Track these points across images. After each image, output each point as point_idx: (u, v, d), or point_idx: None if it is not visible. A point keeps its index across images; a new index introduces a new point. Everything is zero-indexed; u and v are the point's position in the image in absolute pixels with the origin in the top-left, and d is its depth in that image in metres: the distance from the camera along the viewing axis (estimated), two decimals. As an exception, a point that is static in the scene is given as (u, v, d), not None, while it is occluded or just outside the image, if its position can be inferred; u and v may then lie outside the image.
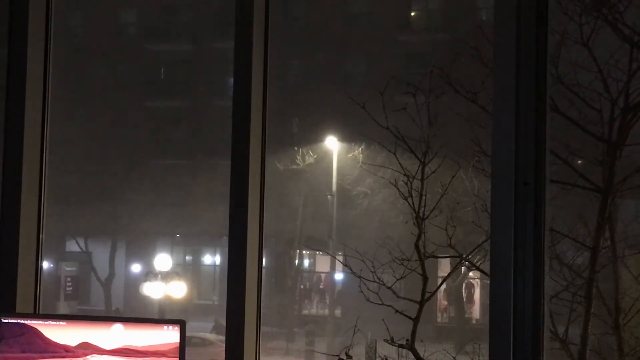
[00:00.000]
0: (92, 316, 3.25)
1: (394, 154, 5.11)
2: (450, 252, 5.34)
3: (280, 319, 17.89)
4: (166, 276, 17.25)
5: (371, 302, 5.04)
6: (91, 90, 19.95)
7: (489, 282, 2.93)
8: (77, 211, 19.56)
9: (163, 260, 18.07)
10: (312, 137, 17.98)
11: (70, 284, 20.41)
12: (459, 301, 17.06)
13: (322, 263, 20.54)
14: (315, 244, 18.64)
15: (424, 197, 4.78)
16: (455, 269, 5.69)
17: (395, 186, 5.04)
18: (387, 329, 4.56)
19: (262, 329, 3.44)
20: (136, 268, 20.56)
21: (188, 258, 22.01)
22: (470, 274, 15.66)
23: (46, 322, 3.08)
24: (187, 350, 3.00)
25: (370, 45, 18.36)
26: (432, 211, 4.84)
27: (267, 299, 18.08)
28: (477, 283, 17.08)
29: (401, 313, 4.56)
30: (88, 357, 3.05)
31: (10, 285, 3.53)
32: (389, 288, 4.95)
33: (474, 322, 17.26)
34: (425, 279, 4.59)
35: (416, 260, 4.75)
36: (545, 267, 2.87)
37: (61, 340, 3.06)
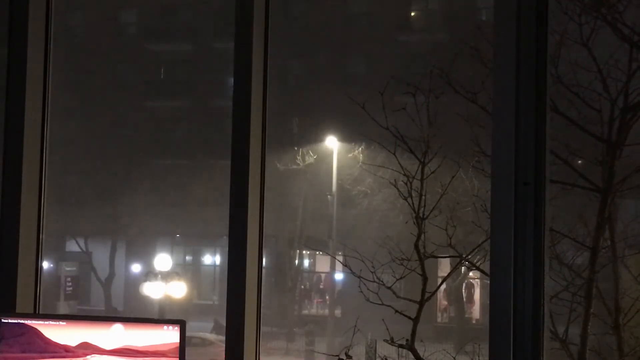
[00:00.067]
0: (92, 316, 3.25)
1: (394, 154, 5.11)
2: (450, 252, 5.34)
3: (280, 319, 17.89)
4: (166, 276, 17.25)
5: (371, 302, 5.04)
6: (91, 90, 19.94)
7: (489, 282, 2.93)
8: (77, 211, 19.56)
9: (163, 260, 18.07)
10: (312, 137, 17.98)
11: (70, 284, 20.40)
12: (459, 301, 17.06)
13: (322, 263, 20.54)
14: (315, 244, 18.64)
15: (423, 197, 4.78)
16: (455, 269, 5.69)
17: (395, 186, 5.04)
18: (387, 329, 4.56)
19: (262, 329, 3.44)
20: (136, 268, 20.56)
21: (188, 258, 22.00)
22: (470, 274, 15.66)
23: (46, 322, 3.08)
24: (187, 350, 3.00)
25: (370, 45, 18.36)
26: (432, 211, 4.84)
27: (267, 299, 18.08)
28: (477, 283, 17.08)
29: (401, 313, 4.56)
30: (88, 357, 3.05)
31: (10, 285, 3.53)
32: (389, 288, 4.95)
33: (474, 322, 17.26)
34: (425, 279, 4.59)
35: (416, 260, 4.75)
36: (545, 267, 2.87)
37: (61, 340, 3.06)
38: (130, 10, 22.11)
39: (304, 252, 20.00)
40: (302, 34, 18.77)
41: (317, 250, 19.12)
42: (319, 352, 16.81)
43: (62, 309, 19.37)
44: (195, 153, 19.67)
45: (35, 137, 3.67)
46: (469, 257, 5.58)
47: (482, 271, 6.66)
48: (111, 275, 20.67)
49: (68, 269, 20.65)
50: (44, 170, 3.70)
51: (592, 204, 5.85)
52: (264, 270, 3.55)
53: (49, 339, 3.06)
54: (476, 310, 17.45)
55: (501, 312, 2.81)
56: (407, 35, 18.23)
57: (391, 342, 4.51)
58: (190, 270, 21.31)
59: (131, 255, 20.89)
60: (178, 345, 2.98)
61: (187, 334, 3.04)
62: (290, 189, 17.89)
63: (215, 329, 17.43)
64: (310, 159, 17.74)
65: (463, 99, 6.43)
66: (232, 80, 3.41)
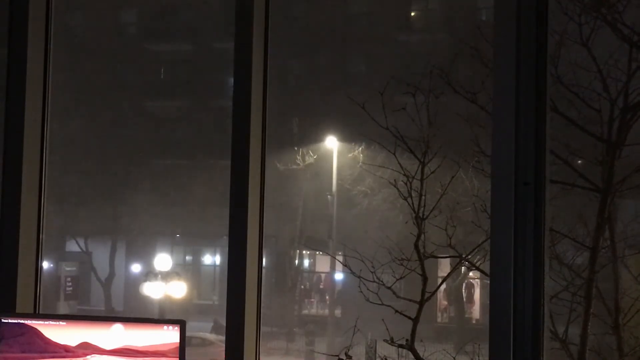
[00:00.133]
0: (92, 316, 3.25)
1: (394, 154, 5.11)
2: (450, 252, 5.34)
3: (280, 319, 17.89)
4: (166, 276, 17.24)
5: (371, 302, 5.04)
6: (91, 90, 19.94)
7: (489, 282, 2.93)
8: (77, 211, 19.56)
9: (163, 260, 18.07)
10: (312, 137, 17.98)
11: (70, 284, 20.40)
12: (459, 301, 17.06)
13: (322, 263, 20.53)
14: (315, 244, 18.63)
15: (423, 197, 4.78)
16: (455, 269, 5.69)
17: (395, 186, 5.04)
18: (387, 329, 4.56)
19: (262, 329, 3.44)
20: (136, 268, 20.56)
21: (188, 258, 22.00)
22: (470, 274, 15.66)
23: (46, 322, 3.08)
24: (187, 350, 3.00)
25: (370, 45, 18.35)
26: (431, 211, 4.84)
27: (267, 299, 18.08)
28: (477, 283, 17.07)
29: (401, 313, 4.56)
30: (88, 357, 3.05)
31: (10, 285, 3.53)
32: (389, 288, 4.95)
33: (474, 322, 17.25)
34: (425, 279, 4.59)
35: (416, 260, 4.75)
36: (545, 267, 2.87)
37: (61, 340, 3.06)
38: (130, 10, 22.10)
39: (304, 252, 20.00)
40: (302, 34, 18.77)
41: (317, 250, 19.12)
42: (319, 352, 16.81)
43: (62, 309, 19.37)
44: (195, 153, 19.67)
45: (35, 137, 3.67)
46: (469, 257, 5.58)
47: (482, 271, 6.66)
48: (111, 275, 20.67)
49: (68, 269, 20.65)
50: (44, 170, 3.70)
51: (592, 204, 5.85)
52: (264, 270, 3.55)
53: (49, 339, 3.06)
54: (476, 310, 17.45)
55: (501, 312, 2.81)
56: (407, 35, 18.23)
57: (391, 342, 4.51)
58: (190, 270, 21.31)
59: (131, 255, 20.89)
60: (178, 345, 2.98)
61: (187, 334, 3.04)
62: (290, 189, 17.88)
63: (215, 329, 17.43)
64: (310, 159, 17.74)
65: (463, 99, 6.43)
66: (232, 80, 3.41)
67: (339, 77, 18.30)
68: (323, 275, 20.44)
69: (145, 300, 17.58)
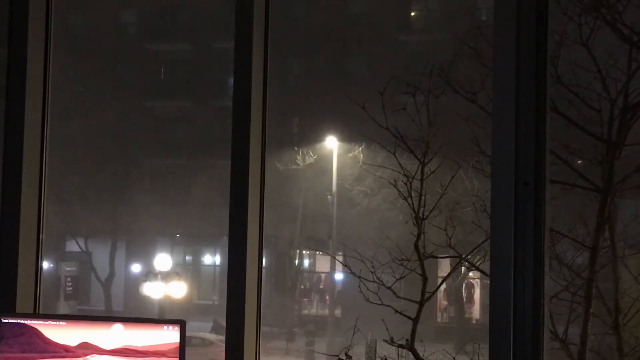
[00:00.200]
0: (92, 316, 3.25)
1: (394, 154, 5.11)
2: (450, 252, 5.33)
3: (280, 319, 17.90)
4: (166, 276, 17.24)
5: (371, 302, 5.04)
6: (91, 90, 19.95)
7: (489, 282, 2.93)
8: (77, 211, 19.56)
9: (163, 260, 18.07)
10: (312, 137, 17.99)
11: (70, 284, 20.40)
12: (459, 301, 17.06)
13: (322, 263, 20.54)
14: (315, 244, 18.64)
15: (423, 197, 4.78)
16: (455, 269, 5.68)
17: (395, 186, 5.04)
18: (387, 329, 4.56)
19: (262, 329, 3.44)
20: (136, 268, 20.56)
21: (188, 258, 22.01)
22: (470, 274, 15.67)
23: (46, 322, 3.08)
24: (187, 350, 3.00)
25: (370, 45, 18.35)
26: (431, 211, 4.84)
27: (267, 299, 18.08)
28: (477, 283, 17.08)
29: (401, 313, 4.56)
30: (88, 357, 3.05)
31: (10, 285, 3.53)
32: (389, 288, 4.95)
33: (474, 322, 17.26)
34: (424, 279, 4.59)
35: (416, 261, 4.75)
36: (545, 267, 2.87)
37: (61, 340, 3.06)
38: (130, 10, 22.10)
39: (304, 252, 20.00)
40: (302, 34, 18.77)
41: (317, 250, 19.12)
42: (319, 352, 16.81)
43: (62, 309, 19.37)
44: (195, 153, 19.67)
45: (35, 137, 3.67)
46: (469, 257, 5.57)
47: (482, 271, 6.66)
48: (111, 275, 20.67)
49: (68, 269, 20.65)
50: (44, 170, 3.70)
51: (592, 204, 5.85)
52: (264, 270, 3.55)
53: (49, 339, 3.06)
54: (476, 310, 17.46)
55: (501, 312, 2.81)
56: (407, 35, 18.23)
57: (391, 342, 4.51)
58: (190, 270, 21.31)
59: (131, 255, 20.89)
60: (178, 345, 2.98)
61: (187, 334, 3.04)
62: (290, 189, 17.89)
63: (215, 329, 17.44)
64: (310, 159, 17.75)
65: (463, 99, 6.43)
66: (232, 80, 3.41)
67: (339, 77, 18.31)
68: (323, 275, 20.44)
69: (145, 300, 17.58)
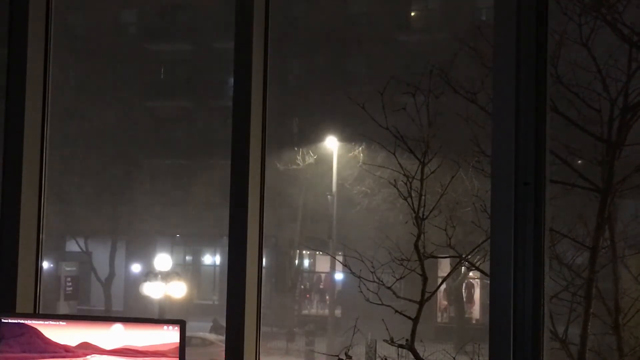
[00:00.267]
0: (92, 316, 3.25)
1: (394, 154, 5.11)
2: (450, 252, 5.34)
3: (281, 319, 17.90)
4: (166, 276, 17.24)
5: (371, 302, 5.04)
6: (91, 90, 19.95)
7: (489, 282, 2.93)
8: (77, 211, 19.57)
9: (163, 260, 18.07)
10: (312, 137, 17.99)
11: (70, 284, 20.41)
12: (459, 301, 17.07)
13: (322, 263, 20.54)
14: (315, 244, 18.64)
15: (423, 197, 4.78)
16: (455, 269, 5.69)
17: (395, 186, 5.04)
18: (387, 329, 4.56)
19: (262, 329, 3.44)
20: (136, 268, 20.57)
21: (188, 258, 22.01)
22: (470, 274, 15.67)
23: (46, 322, 3.08)
24: (187, 350, 3.00)
25: (370, 45, 18.36)
26: (431, 211, 4.84)
27: (267, 299, 18.08)
28: (477, 283, 17.09)
29: (401, 313, 4.56)
30: (88, 357, 3.05)
31: (10, 285, 3.53)
32: (389, 288, 4.95)
33: (474, 322, 17.26)
34: (424, 279, 4.59)
35: (416, 261, 4.75)
36: (545, 267, 2.87)
37: (61, 340, 3.06)
38: (130, 10, 22.11)
39: (304, 252, 20.01)
40: (302, 34, 18.77)
41: (317, 250, 19.12)
42: (319, 352, 16.81)
43: (62, 309, 19.37)
44: (195, 153, 19.67)
45: (35, 137, 3.67)
46: (469, 257, 5.57)
47: (482, 271, 6.66)
48: (111, 275, 20.68)
49: (68, 269, 20.65)
50: (44, 170, 3.70)
51: (592, 204, 5.86)
52: (264, 270, 3.55)
53: (49, 339, 3.06)
54: (476, 310, 17.46)
55: (501, 312, 2.81)
56: (407, 35, 18.24)
57: (391, 342, 4.51)
58: (190, 270, 21.31)
59: (131, 255, 20.89)
60: (178, 345, 2.98)
61: (187, 334, 3.04)
62: (290, 189, 17.89)
63: (214, 329, 17.44)
64: (310, 159, 17.75)
65: (463, 99, 6.43)
66: (232, 80, 3.40)
67: (339, 77, 18.31)
68: (323, 275, 20.44)
69: (145, 300, 17.58)
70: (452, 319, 17.35)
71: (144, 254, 20.06)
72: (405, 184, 4.85)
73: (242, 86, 3.36)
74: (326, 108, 17.60)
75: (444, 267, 7.83)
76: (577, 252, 6.11)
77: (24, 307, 3.54)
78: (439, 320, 17.35)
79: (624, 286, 6.00)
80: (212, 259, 21.86)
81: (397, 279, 4.97)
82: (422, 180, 4.84)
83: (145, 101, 20.69)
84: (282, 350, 17.38)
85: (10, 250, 3.56)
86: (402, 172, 4.91)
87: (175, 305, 17.67)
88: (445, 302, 17.69)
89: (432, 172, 4.94)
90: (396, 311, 4.59)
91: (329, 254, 18.00)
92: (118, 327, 3.04)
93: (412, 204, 4.80)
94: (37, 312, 3.64)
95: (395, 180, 5.06)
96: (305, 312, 19.63)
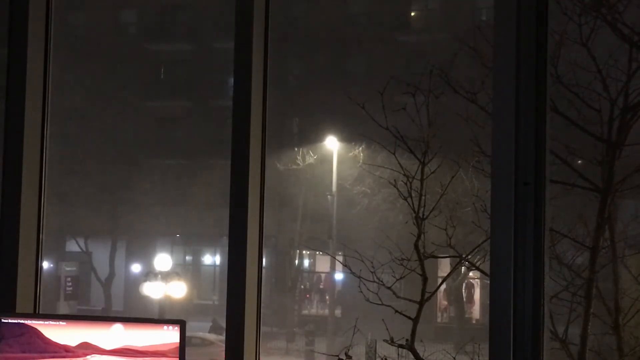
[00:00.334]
0: (92, 316, 3.25)
1: (394, 154, 5.11)
2: (450, 252, 5.33)
3: (281, 319, 17.90)
4: (166, 276, 17.25)
5: (371, 302, 5.04)
6: (91, 90, 19.95)
7: (489, 282, 2.93)
8: (77, 211, 19.57)
9: (163, 260, 18.07)
10: (312, 137, 17.99)
11: (70, 284, 20.41)
12: (459, 301, 17.07)
13: (322, 263, 20.54)
14: (315, 244, 18.64)
15: (423, 197, 4.78)
16: (455, 269, 5.68)
17: (395, 186, 5.04)
18: (387, 329, 4.56)
19: (262, 329, 3.44)
20: (136, 268, 20.57)
21: (188, 258, 22.01)
22: (470, 274, 15.68)
23: (46, 322, 3.08)
24: (187, 350, 3.00)
25: (370, 45, 18.36)
26: (431, 211, 4.84)
27: (267, 299, 18.08)
28: (477, 283, 17.09)
29: (401, 313, 4.56)
30: (88, 357, 3.05)
31: (10, 285, 3.53)
32: (389, 288, 4.95)
33: (474, 322, 17.27)
34: (425, 279, 4.59)
35: (416, 260, 4.75)
36: (545, 267, 2.87)
37: (61, 340, 3.06)
38: (130, 10, 22.11)
39: (304, 252, 20.00)
40: (302, 34, 18.78)
41: (317, 250, 19.12)
42: (319, 352, 16.81)
43: (62, 309, 19.37)
44: (195, 153, 19.67)
45: (35, 137, 3.67)
46: (469, 257, 5.57)
47: (482, 271, 6.66)
48: (111, 275, 20.68)
49: (68, 269, 20.65)
50: (44, 170, 3.70)
51: (592, 204, 5.85)
52: (264, 270, 3.54)
53: (49, 339, 3.06)
54: (476, 310, 17.47)
55: (501, 312, 2.81)
56: (407, 35, 18.24)
57: (391, 342, 4.51)
58: (190, 270, 21.31)
59: (131, 255, 20.89)
60: (178, 345, 2.98)
61: (187, 334, 3.04)
62: (290, 189, 17.89)
63: (214, 329, 17.45)
64: (310, 159, 17.76)
65: (463, 99, 6.43)
66: (232, 80, 3.40)
67: (339, 77, 18.31)
68: (323, 275, 20.44)
69: (145, 300, 17.58)
70: (452, 319, 17.35)
71: (144, 254, 20.06)
72: (405, 184, 4.85)
73: (242, 86, 3.36)
74: (326, 108, 17.60)
75: (444, 267, 7.83)
76: (577, 252, 6.10)
77: (24, 307, 3.54)
78: (439, 320, 17.35)
79: (624, 286, 6.00)
80: (212, 259, 21.86)
81: (397, 279, 4.96)
82: (422, 180, 4.84)
83: (145, 101, 20.69)
84: (282, 350, 17.38)
85: (10, 250, 3.56)
86: (402, 172, 4.91)
87: (175, 305, 17.67)
88: (445, 302, 17.69)
89: (432, 172, 4.93)
90: (396, 311, 4.59)
91: (329, 254, 18.01)
92: (118, 327, 3.04)
93: (412, 204, 4.80)
94: (37, 312, 3.64)
95: (395, 180, 5.06)
96: (305, 312, 19.63)
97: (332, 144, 17.78)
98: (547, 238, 2.89)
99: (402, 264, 4.93)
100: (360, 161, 15.93)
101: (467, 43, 7.56)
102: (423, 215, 4.77)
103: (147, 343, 3.00)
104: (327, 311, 18.94)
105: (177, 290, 17.35)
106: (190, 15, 20.83)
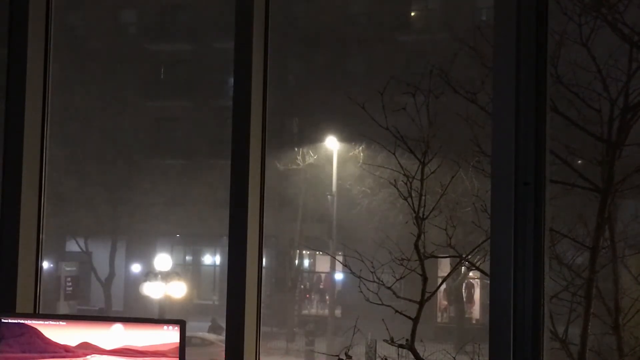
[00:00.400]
0: (92, 316, 3.25)
1: (394, 154, 5.11)
2: (450, 252, 5.33)
3: (281, 319, 17.90)
4: (166, 276, 17.25)
5: (371, 302, 5.04)
6: (91, 90, 19.94)
7: (489, 282, 2.93)
8: (77, 211, 19.57)
9: (163, 260, 18.08)
10: (312, 137, 18.00)
11: (70, 284, 20.41)
12: (459, 301, 17.07)
13: (322, 263, 20.54)
14: (315, 244, 18.64)
15: (423, 197, 4.78)
16: (455, 269, 5.68)
17: (395, 186, 5.04)
18: (387, 329, 4.56)
19: (262, 329, 3.44)
20: (136, 268, 20.57)
21: (188, 258, 22.01)
22: (470, 274, 15.67)
23: (46, 322, 3.08)
24: (187, 350, 3.00)
25: (370, 45, 18.36)
26: (431, 211, 4.84)
27: (268, 299, 18.08)
28: (477, 283, 17.09)
29: (401, 313, 4.56)
30: (88, 357, 3.05)
31: (10, 285, 3.53)
32: (389, 288, 4.94)
33: (474, 322, 17.27)
34: (425, 279, 4.59)
35: (416, 260, 4.75)
36: (545, 267, 2.87)
37: (61, 340, 3.06)
38: (130, 10, 22.11)
39: (304, 252, 20.00)
40: (302, 34, 18.78)
41: (317, 250, 19.12)
42: (319, 352, 16.81)
43: (62, 309, 19.37)
44: (195, 153, 19.68)
45: (35, 137, 3.67)
46: (469, 257, 5.57)
47: (482, 271, 6.66)
48: (111, 275, 20.68)
49: (68, 269, 20.65)
50: (44, 170, 3.70)
51: (592, 204, 5.85)
52: (264, 270, 3.54)
53: (49, 339, 3.06)
54: (476, 310, 17.47)
55: (501, 312, 2.81)
56: (407, 35, 18.24)
57: (391, 342, 4.51)
58: (190, 270, 21.31)
59: (131, 255, 20.89)
60: (178, 345, 2.98)
61: (187, 334, 3.04)
62: (290, 189, 17.89)
63: (213, 329, 17.45)
64: (310, 159, 17.76)
65: (463, 99, 6.43)
66: (232, 80, 3.40)
67: (339, 77, 18.31)
68: (323, 275, 20.44)
69: (145, 300, 17.58)
70: (452, 319, 17.35)
71: (144, 254, 20.06)
72: (406, 184, 4.85)
73: (242, 86, 3.36)
74: (326, 108, 17.60)
75: (444, 267, 7.83)
76: (577, 252, 6.10)
77: (24, 307, 3.54)
78: (439, 320, 17.35)
79: (624, 286, 6.00)
80: (212, 259, 21.86)
81: (397, 279, 4.96)
82: (422, 180, 4.84)
83: (145, 101, 20.69)
84: (282, 350, 17.37)
85: (10, 250, 3.56)
86: (402, 172, 4.91)
87: (175, 305, 17.67)
88: (445, 302, 17.69)
89: (432, 172, 4.93)
90: (396, 311, 4.59)
91: (329, 254, 18.01)
92: (118, 327, 3.04)
93: (412, 204, 4.80)
94: (37, 312, 3.64)
95: (395, 180, 5.06)
96: (305, 312, 19.63)
97: (332, 144, 17.78)
98: (547, 238, 2.89)
99: (402, 264, 4.93)
100: (361, 161, 15.94)
101: (467, 43, 7.57)
102: (423, 215, 4.77)
103: (147, 343, 3.00)
104: (327, 311, 18.94)
105: (177, 290, 17.36)
106: (190, 15, 20.83)
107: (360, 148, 16.43)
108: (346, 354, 4.09)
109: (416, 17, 19.13)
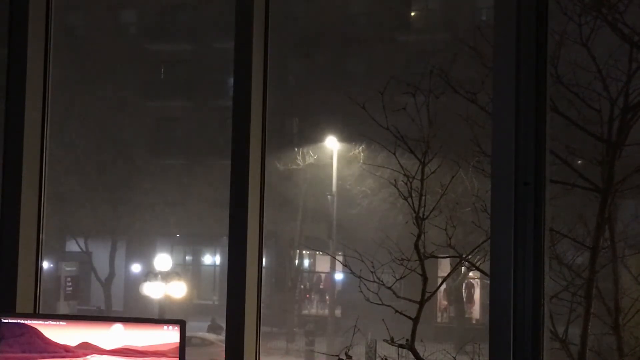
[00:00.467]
0: (92, 316, 3.25)
1: (394, 154, 5.11)
2: (450, 252, 5.33)
3: (280, 319, 17.89)
4: (166, 276, 17.25)
5: (371, 302, 5.04)
6: (91, 90, 19.94)
7: (489, 282, 2.93)
8: (77, 211, 19.56)
9: (163, 260, 18.08)
10: (312, 137, 18.00)
11: (70, 284, 20.41)
12: (459, 301, 17.07)
13: (322, 263, 20.54)
14: (315, 244, 18.64)
15: (423, 197, 4.78)
16: (455, 269, 5.68)
17: (395, 186, 5.04)
18: (387, 329, 4.56)
19: (262, 329, 3.44)
20: (136, 268, 20.57)
21: (188, 258, 22.01)
22: (470, 274, 15.67)
23: (46, 322, 3.08)
24: (187, 350, 3.00)
25: (370, 45, 18.36)
26: (431, 211, 4.84)
27: (268, 299, 18.08)
28: (477, 283, 17.09)
29: (401, 313, 4.56)
30: (88, 357, 3.05)
31: (10, 285, 3.53)
32: (389, 288, 4.95)
33: (474, 322, 17.26)
34: (425, 279, 4.59)
35: (416, 260, 4.75)
36: (545, 267, 2.87)
37: (61, 340, 3.06)
38: (130, 10, 22.11)
39: (304, 252, 20.00)
40: (302, 34, 18.78)
41: (317, 250, 19.13)
42: (319, 352, 16.81)
43: (62, 309, 19.37)
44: (195, 153, 19.68)
45: (35, 137, 3.67)
46: (469, 257, 5.57)
47: (482, 271, 6.65)
48: (111, 275, 20.67)
49: (68, 269, 20.65)
50: (44, 170, 3.70)
51: (592, 204, 5.85)
52: (264, 270, 3.54)
53: (49, 339, 3.06)
54: (476, 310, 17.46)
55: (501, 312, 2.81)
56: (407, 35, 18.23)
57: (391, 342, 4.51)
58: (190, 270, 21.31)
59: (131, 255, 20.89)
60: (178, 345, 2.98)
61: (187, 334, 3.04)
62: (290, 189, 17.89)
63: (212, 328, 17.45)
64: (310, 159, 17.76)
65: (463, 99, 6.43)
66: (232, 80, 3.41)
67: (339, 77, 18.31)
68: (323, 275, 20.44)
69: (145, 300, 17.58)
70: (452, 319, 17.35)
71: (144, 254, 20.06)
72: (406, 184, 4.85)
73: (242, 86, 3.36)
74: (326, 108, 17.60)
75: (444, 267, 7.82)
76: (577, 252, 6.10)
77: (24, 307, 3.54)
78: (439, 320, 17.35)
79: (624, 286, 6.00)
80: (212, 259, 21.86)
81: (397, 279, 4.96)
82: (422, 180, 4.84)
83: (145, 101, 20.69)
84: (282, 350, 17.37)
85: (10, 250, 3.56)
86: (403, 172, 4.91)
87: (175, 305, 17.67)
88: (445, 302, 17.69)
89: (432, 172, 4.93)
90: (396, 311, 4.59)
91: (329, 254, 18.01)
92: (118, 327, 3.04)
93: (412, 204, 4.80)
94: (37, 312, 3.64)
95: (395, 180, 5.06)
96: (305, 312, 19.63)
97: (332, 144, 17.78)
98: (547, 238, 2.89)
99: (402, 264, 4.93)
100: (361, 161, 15.94)
101: (467, 43, 7.56)
102: (423, 215, 4.77)
103: (147, 343, 3.00)
104: (327, 311, 18.94)
105: (177, 290, 17.36)
106: (190, 15, 20.82)
107: (361, 148, 16.43)
108: (346, 354, 4.09)
109: (416, 17, 19.13)
